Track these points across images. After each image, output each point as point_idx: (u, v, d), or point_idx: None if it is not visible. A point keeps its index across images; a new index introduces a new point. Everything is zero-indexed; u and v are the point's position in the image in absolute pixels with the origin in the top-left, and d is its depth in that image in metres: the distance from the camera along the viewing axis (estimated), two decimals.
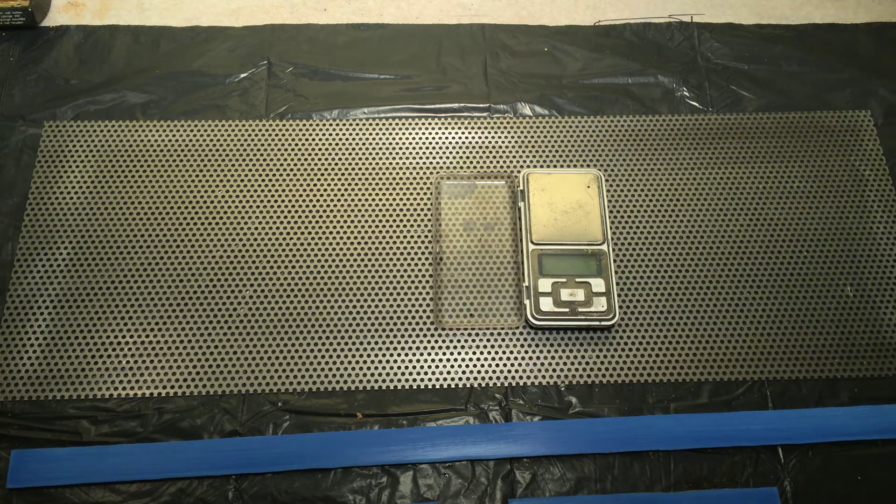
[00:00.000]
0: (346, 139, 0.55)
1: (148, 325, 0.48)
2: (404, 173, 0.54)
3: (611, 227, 0.52)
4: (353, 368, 0.48)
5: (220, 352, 0.48)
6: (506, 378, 0.48)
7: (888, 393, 0.48)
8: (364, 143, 0.55)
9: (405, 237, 0.52)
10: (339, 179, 0.54)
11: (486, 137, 0.55)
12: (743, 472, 0.45)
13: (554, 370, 0.48)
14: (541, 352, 0.48)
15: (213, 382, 0.47)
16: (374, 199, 0.53)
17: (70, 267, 0.50)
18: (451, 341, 0.49)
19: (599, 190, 0.51)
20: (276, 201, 0.53)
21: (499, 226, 0.52)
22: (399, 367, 0.48)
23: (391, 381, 0.47)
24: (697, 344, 0.49)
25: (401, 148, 0.55)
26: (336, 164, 0.54)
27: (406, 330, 0.49)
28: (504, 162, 0.55)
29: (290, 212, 0.52)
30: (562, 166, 0.54)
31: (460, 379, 0.48)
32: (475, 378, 0.48)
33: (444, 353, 0.48)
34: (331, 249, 0.51)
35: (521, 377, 0.48)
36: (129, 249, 0.51)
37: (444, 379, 0.48)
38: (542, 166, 0.54)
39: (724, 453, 0.46)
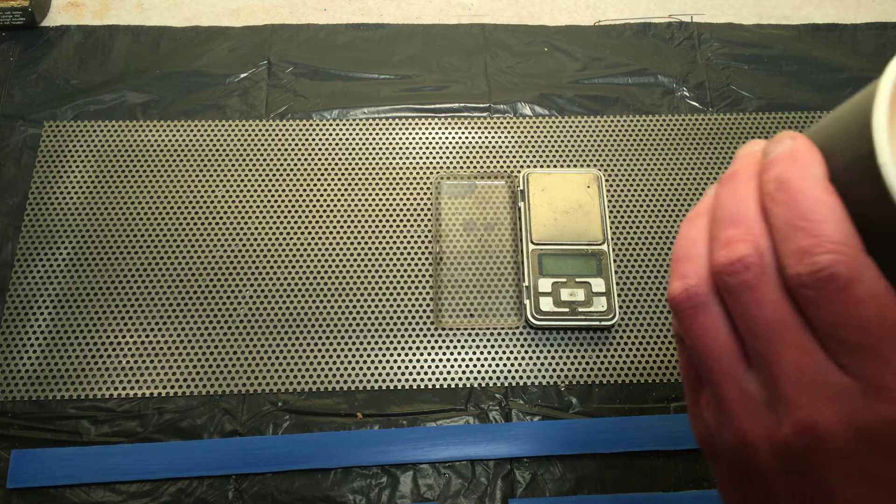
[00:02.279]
0: (346, 139, 0.55)
1: (148, 325, 0.48)
2: (404, 173, 0.54)
3: (611, 227, 0.52)
4: (353, 368, 0.48)
5: (220, 352, 0.48)
6: (506, 378, 0.48)
7: None
8: (364, 143, 0.55)
9: (405, 237, 0.52)
10: (339, 179, 0.54)
11: (486, 137, 0.56)
12: None
13: (554, 370, 0.48)
14: (541, 352, 0.48)
15: (213, 382, 0.47)
16: (374, 199, 0.53)
17: (70, 267, 0.50)
18: (451, 341, 0.49)
19: (599, 190, 0.51)
20: (276, 201, 0.53)
21: (499, 226, 0.52)
22: (399, 367, 0.48)
23: (391, 381, 0.47)
24: None
25: (401, 148, 0.55)
26: (336, 164, 0.54)
27: (406, 330, 0.49)
28: (504, 162, 0.55)
29: (290, 212, 0.52)
30: (562, 166, 0.54)
31: (460, 379, 0.48)
32: (475, 378, 0.48)
33: (444, 353, 0.48)
34: (331, 249, 0.51)
35: (521, 377, 0.48)
36: (129, 249, 0.51)
37: (444, 379, 0.48)
38: (542, 166, 0.54)
39: None
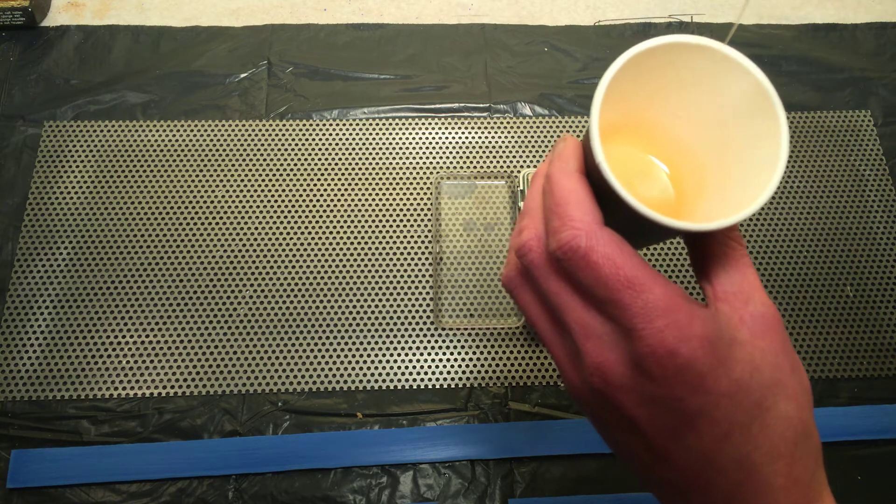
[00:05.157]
0: (346, 139, 0.55)
1: (148, 325, 0.48)
2: (404, 173, 0.54)
3: None
4: (353, 368, 0.48)
5: (220, 352, 0.48)
6: (506, 378, 0.48)
7: (888, 393, 0.48)
8: (364, 143, 0.55)
9: (405, 237, 0.52)
10: (339, 179, 0.54)
11: (486, 137, 0.56)
12: None
13: (554, 370, 0.48)
14: (541, 352, 0.48)
15: (213, 382, 0.47)
16: (374, 199, 0.53)
17: (70, 267, 0.50)
18: (451, 341, 0.49)
19: None
20: (276, 201, 0.53)
21: (499, 226, 0.52)
22: (399, 367, 0.48)
23: (391, 381, 0.47)
24: None
25: (401, 148, 0.55)
26: (336, 164, 0.54)
27: (406, 330, 0.49)
28: (504, 162, 0.55)
29: (290, 212, 0.52)
30: None
31: (460, 379, 0.48)
32: (475, 378, 0.48)
33: (444, 353, 0.48)
34: (331, 249, 0.51)
35: (521, 377, 0.48)
36: (129, 249, 0.51)
37: (444, 379, 0.48)
38: None
39: None
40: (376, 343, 0.48)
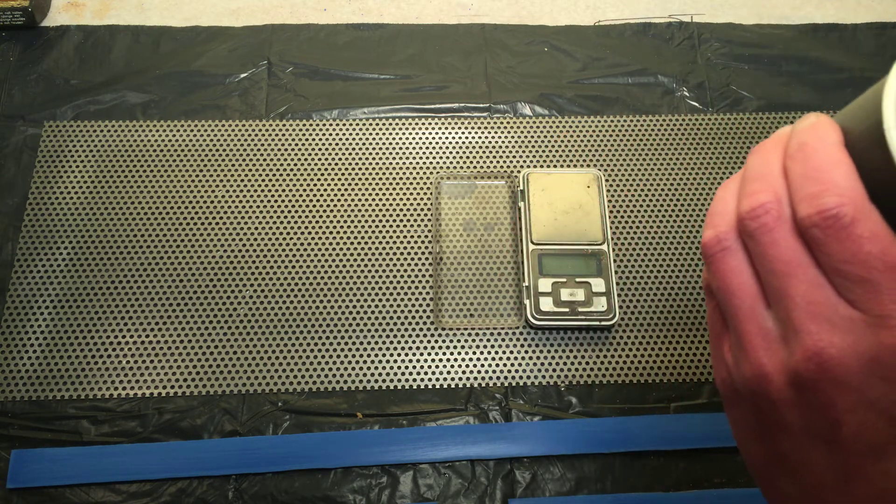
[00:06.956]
0: (346, 139, 0.55)
1: (148, 325, 0.48)
2: (404, 173, 0.54)
3: (611, 227, 0.52)
4: (353, 368, 0.48)
5: (220, 352, 0.48)
6: (506, 378, 0.48)
7: None
8: (364, 143, 0.55)
9: (405, 237, 0.52)
10: (339, 179, 0.54)
11: (486, 137, 0.55)
12: (743, 472, 0.45)
13: (554, 370, 0.48)
14: (541, 352, 0.48)
15: (213, 382, 0.47)
16: (374, 199, 0.53)
17: (70, 267, 0.50)
18: (451, 341, 0.49)
19: (599, 190, 0.51)
20: (276, 201, 0.53)
21: (499, 226, 0.52)
22: (399, 367, 0.48)
23: (391, 381, 0.47)
24: (697, 344, 0.49)
25: (401, 148, 0.55)
26: (336, 164, 0.54)
27: (406, 330, 0.49)
28: (504, 162, 0.55)
29: (290, 212, 0.52)
30: (562, 166, 0.54)
31: (460, 379, 0.48)
32: (475, 378, 0.48)
33: (444, 353, 0.48)
34: (331, 249, 0.51)
35: (521, 377, 0.48)
36: (129, 249, 0.51)
37: (444, 379, 0.48)
38: (542, 166, 0.54)
39: (724, 453, 0.46)
40: (376, 343, 0.48)
